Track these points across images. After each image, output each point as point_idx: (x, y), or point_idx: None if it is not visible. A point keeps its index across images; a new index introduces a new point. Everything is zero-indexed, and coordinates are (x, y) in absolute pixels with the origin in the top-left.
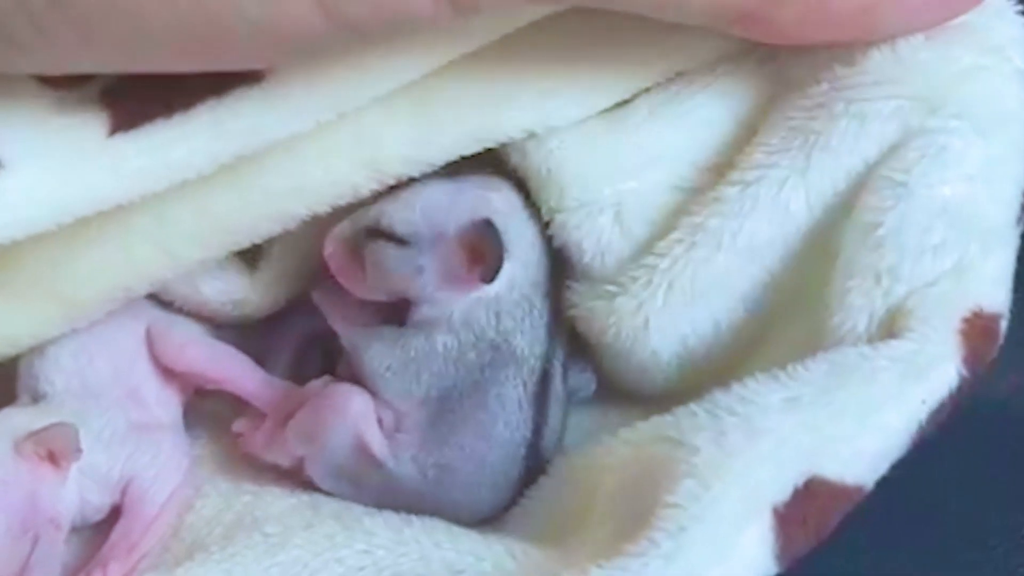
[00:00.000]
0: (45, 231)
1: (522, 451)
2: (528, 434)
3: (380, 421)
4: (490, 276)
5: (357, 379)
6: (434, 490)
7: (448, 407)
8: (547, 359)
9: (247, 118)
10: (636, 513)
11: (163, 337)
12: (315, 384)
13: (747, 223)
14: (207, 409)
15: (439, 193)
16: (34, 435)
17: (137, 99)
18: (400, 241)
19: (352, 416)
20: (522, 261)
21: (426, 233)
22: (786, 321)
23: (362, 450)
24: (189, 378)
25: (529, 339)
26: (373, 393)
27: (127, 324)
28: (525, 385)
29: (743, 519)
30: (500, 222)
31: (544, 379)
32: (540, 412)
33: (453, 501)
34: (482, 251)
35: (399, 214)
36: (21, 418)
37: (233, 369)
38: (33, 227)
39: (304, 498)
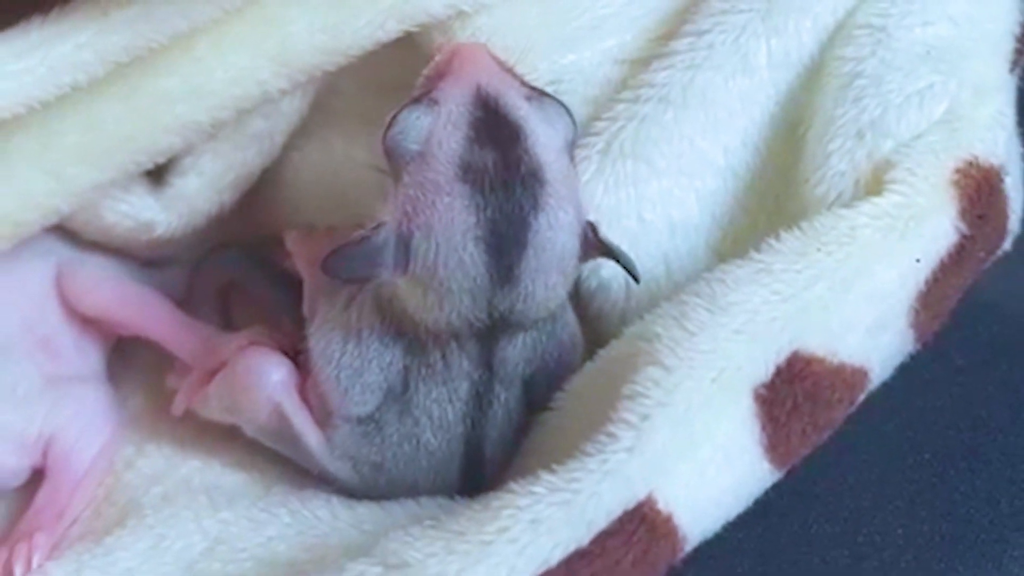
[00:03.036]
0: None
1: (457, 461)
2: (462, 447)
3: (302, 391)
4: None
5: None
6: (370, 485)
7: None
8: (483, 383)
9: (137, 4)
10: (597, 413)
11: (70, 278)
12: (238, 338)
13: (699, 75)
14: (141, 361)
15: None
16: None
17: None
18: None
19: (270, 388)
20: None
21: None
22: (754, 217)
23: (287, 421)
24: (105, 325)
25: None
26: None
27: (34, 267)
28: (452, 402)
29: (718, 403)
30: None
31: (479, 401)
32: (476, 430)
33: (389, 496)
34: None
35: None
36: None
37: (148, 313)
38: None
39: (257, 476)
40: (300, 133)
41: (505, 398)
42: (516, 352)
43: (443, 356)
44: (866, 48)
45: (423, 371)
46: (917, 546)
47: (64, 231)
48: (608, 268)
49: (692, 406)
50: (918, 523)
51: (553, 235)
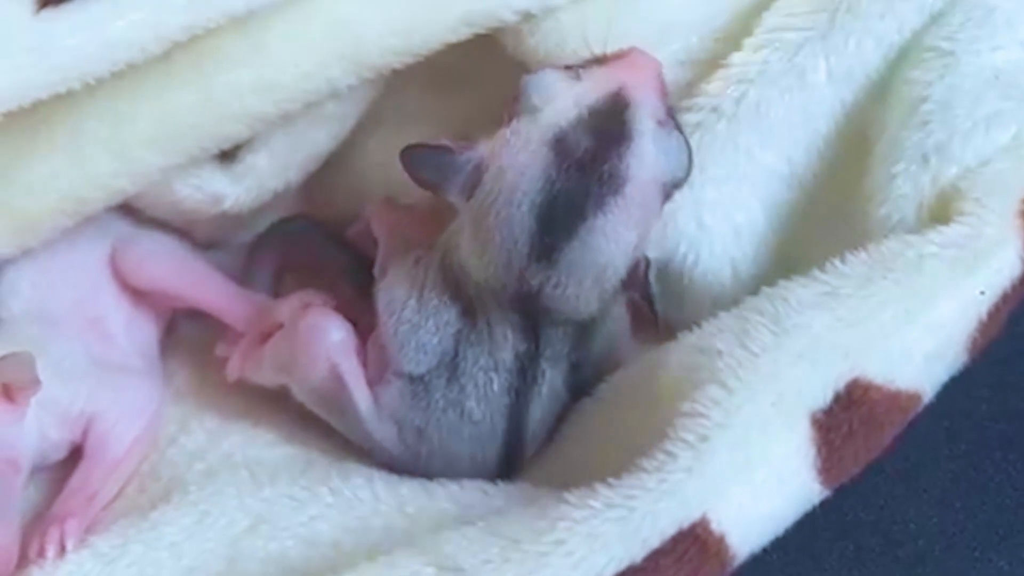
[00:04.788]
0: None
1: (500, 433)
2: (504, 422)
3: (361, 356)
4: None
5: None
6: (411, 455)
7: (431, 372)
8: (529, 357)
9: None
10: (655, 427)
11: (126, 251)
12: (293, 300)
13: (752, 90)
14: (189, 338)
15: None
16: None
17: None
18: None
19: (330, 346)
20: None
21: None
22: (820, 224)
23: (341, 382)
24: (159, 300)
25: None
26: (380, 330)
27: (90, 245)
28: (497, 372)
29: (775, 427)
30: None
31: (523, 376)
32: (520, 405)
33: (429, 470)
34: None
35: None
36: None
37: (202, 283)
38: None
39: (299, 450)
40: (370, 119)
41: (550, 377)
42: (562, 334)
43: (488, 324)
44: (934, 72)
45: (472, 337)
46: (950, 535)
47: (122, 210)
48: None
49: (751, 429)
50: (952, 512)
51: (603, 242)
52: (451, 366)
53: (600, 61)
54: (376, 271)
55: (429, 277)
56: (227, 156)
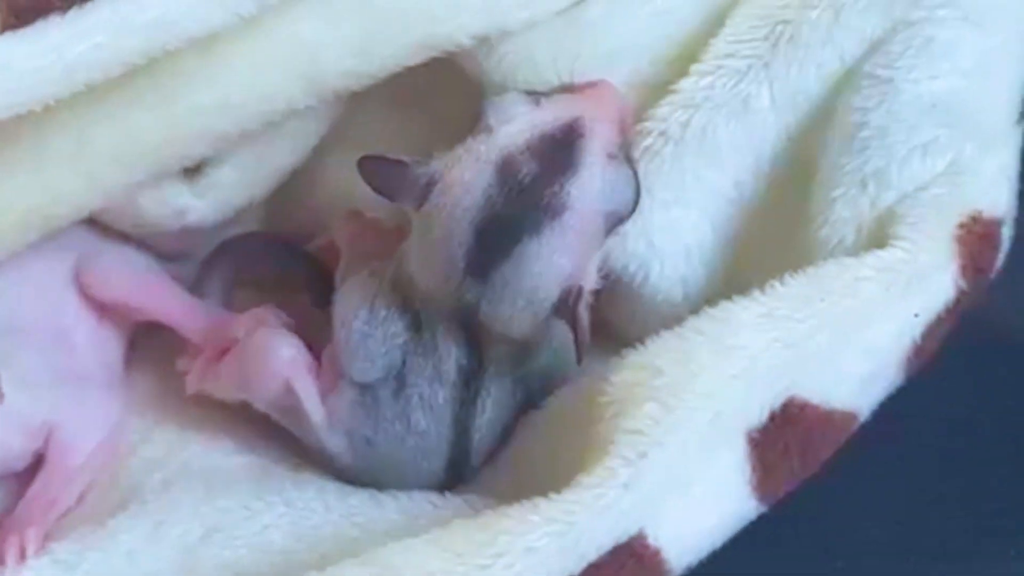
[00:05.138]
0: None
1: (445, 446)
2: (449, 434)
3: (313, 369)
4: None
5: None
6: (362, 465)
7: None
8: (472, 372)
9: (151, 9)
10: (596, 443)
11: (89, 265)
12: (247, 317)
13: (698, 115)
14: (152, 349)
15: None
16: None
17: None
18: None
19: (281, 364)
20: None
21: None
22: (768, 245)
23: (294, 397)
24: (122, 313)
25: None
26: (336, 340)
27: (54, 258)
28: (442, 384)
29: (712, 445)
30: None
31: (467, 389)
32: (465, 418)
33: (378, 480)
34: None
35: None
36: None
37: (162, 297)
38: None
39: (256, 460)
40: (333, 136)
41: (495, 391)
42: (505, 352)
43: (433, 336)
44: (873, 99)
45: (418, 349)
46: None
47: (86, 223)
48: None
49: (688, 446)
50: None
51: (535, 265)
52: (398, 377)
53: (566, 90)
54: (336, 281)
55: (382, 289)
56: (191, 171)
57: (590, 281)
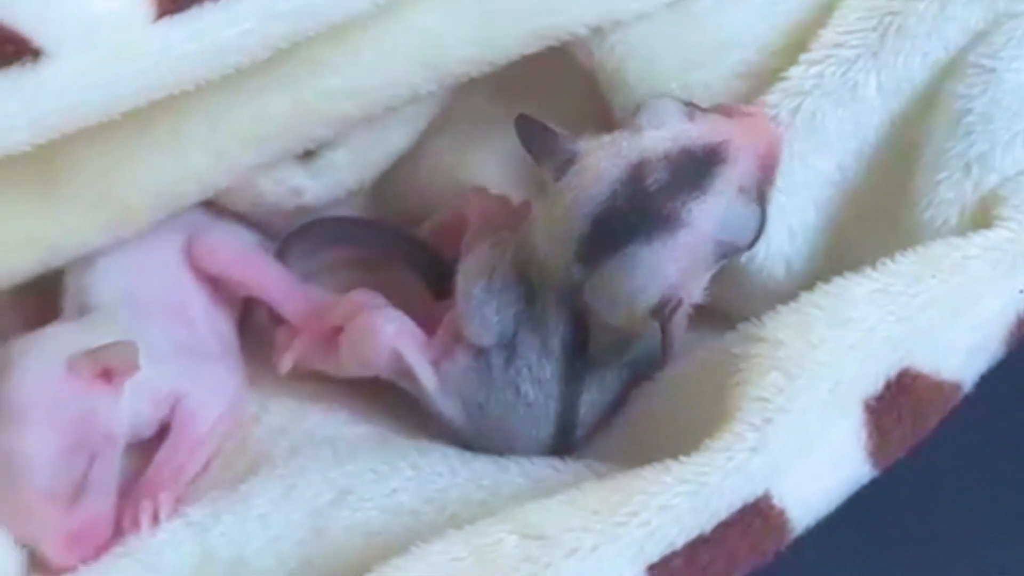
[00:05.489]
0: (94, 122)
1: (553, 418)
2: (557, 407)
3: (419, 339)
4: None
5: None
6: (475, 430)
7: (493, 351)
8: (576, 348)
9: None
10: (722, 411)
11: (199, 239)
12: (345, 303)
13: (808, 101)
14: (262, 324)
15: None
16: (93, 353)
17: None
18: None
19: (388, 338)
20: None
21: None
22: (868, 227)
23: (405, 366)
24: (231, 288)
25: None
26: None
27: (170, 235)
28: (548, 358)
29: (831, 412)
30: None
31: (572, 366)
32: (571, 394)
33: (491, 445)
34: None
35: None
36: (69, 335)
37: (264, 274)
38: (81, 117)
39: (375, 429)
40: (441, 120)
41: (599, 372)
42: (608, 336)
43: (544, 310)
44: (977, 87)
45: (529, 321)
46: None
47: (200, 204)
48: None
49: (810, 413)
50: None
51: (638, 270)
52: (510, 347)
53: (724, 111)
54: (462, 250)
55: (503, 261)
56: (308, 152)
57: (693, 296)
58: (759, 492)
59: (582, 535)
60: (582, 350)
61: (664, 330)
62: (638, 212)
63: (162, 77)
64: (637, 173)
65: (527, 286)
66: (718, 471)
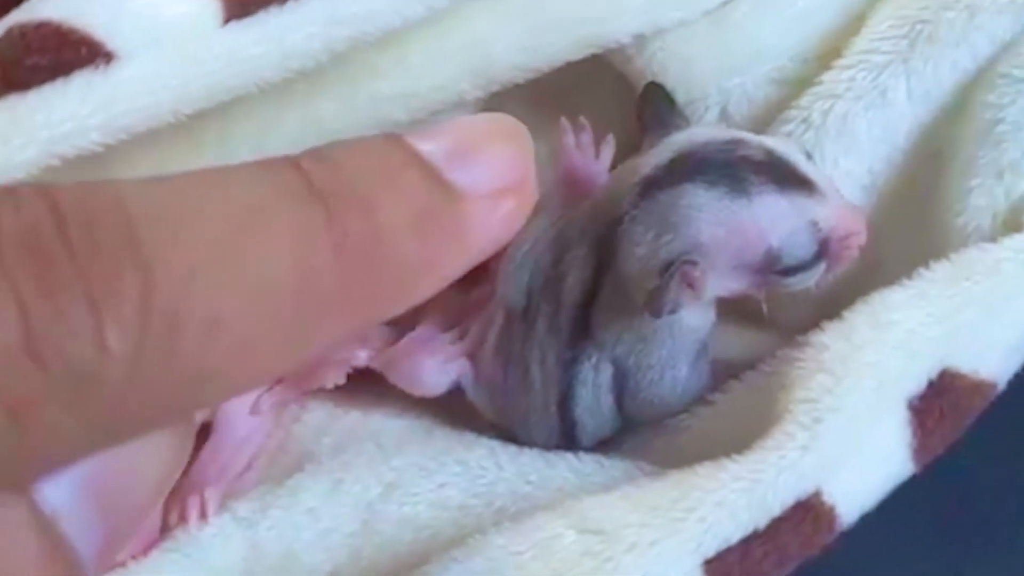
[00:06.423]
0: (164, 123)
1: (553, 409)
2: (556, 395)
3: (455, 352)
4: None
5: None
6: (503, 422)
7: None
8: (571, 346)
9: (359, 2)
10: (771, 414)
11: None
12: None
13: (839, 104)
14: None
15: None
16: None
17: None
18: None
19: (435, 380)
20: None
21: None
22: (899, 229)
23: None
24: None
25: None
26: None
27: None
28: (556, 334)
29: (877, 411)
30: None
31: (573, 351)
32: (568, 386)
33: (518, 439)
34: None
35: None
36: None
37: None
38: (152, 117)
39: (416, 421)
40: None
41: (597, 363)
42: (610, 330)
43: (568, 266)
44: (1007, 96)
45: (549, 285)
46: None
47: None
48: None
49: (858, 412)
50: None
51: (685, 205)
52: (529, 318)
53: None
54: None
55: (551, 230)
56: None
57: (708, 283)
58: (811, 489)
59: (641, 530)
60: (586, 327)
61: (658, 289)
62: (718, 163)
63: (230, 79)
64: (735, 144)
65: (561, 247)
66: (772, 468)
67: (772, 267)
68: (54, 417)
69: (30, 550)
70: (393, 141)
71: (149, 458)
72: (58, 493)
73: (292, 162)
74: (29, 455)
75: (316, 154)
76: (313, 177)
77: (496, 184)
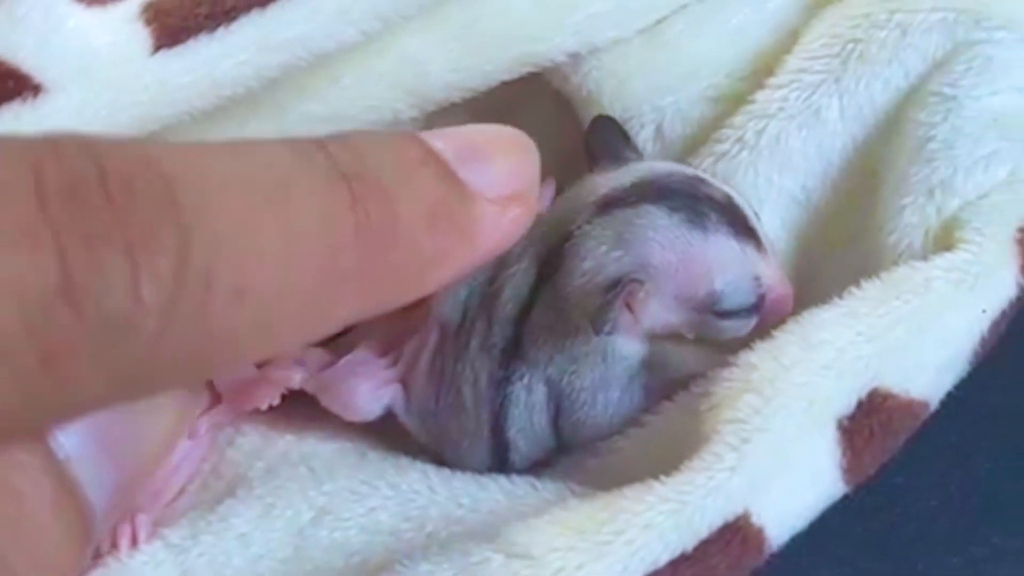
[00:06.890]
0: None
1: (485, 431)
2: (489, 416)
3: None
4: None
5: None
6: (434, 446)
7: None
8: (503, 365)
9: (292, 28)
10: (698, 435)
11: None
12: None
13: (772, 123)
14: None
15: None
16: None
17: (179, 15)
18: None
19: (367, 406)
20: None
21: None
22: (835, 247)
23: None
24: None
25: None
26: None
27: None
28: (488, 351)
29: (807, 431)
30: None
31: (506, 368)
32: (500, 406)
33: (449, 463)
34: None
35: None
36: None
37: None
38: None
39: (349, 444)
40: None
41: (529, 381)
42: (543, 349)
43: (506, 280)
44: (938, 114)
45: (484, 301)
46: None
47: None
48: None
49: (787, 432)
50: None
51: (640, 225)
52: (462, 335)
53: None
54: None
55: None
56: None
57: (649, 310)
58: (739, 511)
59: (568, 554)
60: (518, 344)
61: (605, 304)
62: (682, 193)
63: (160, 108)
64: (698, 182)
65: (499, 262)
66: (699, 489)
67: (711, 307)
68: (83, 365)
69: (47, 493)
70: (410, 137)
71: (155, 419)
72: (72, 440)
73: (319, 143)
74: (56, 401)
75: (341, 138)
76: (339, 159)
77: (506, 190)
